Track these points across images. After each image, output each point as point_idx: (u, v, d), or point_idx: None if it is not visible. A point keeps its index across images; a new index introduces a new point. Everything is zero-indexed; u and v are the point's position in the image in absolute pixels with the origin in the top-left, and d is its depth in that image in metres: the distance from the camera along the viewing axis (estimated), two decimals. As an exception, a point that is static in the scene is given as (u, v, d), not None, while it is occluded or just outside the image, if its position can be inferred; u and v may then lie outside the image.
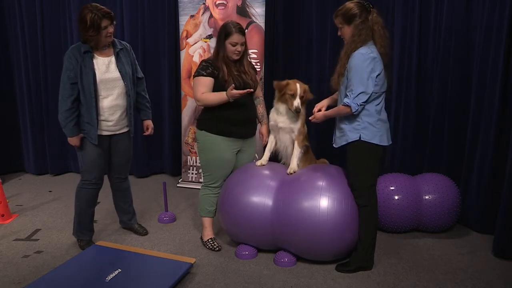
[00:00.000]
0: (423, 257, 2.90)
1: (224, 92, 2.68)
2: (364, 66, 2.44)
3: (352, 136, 2.57)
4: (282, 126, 2.84)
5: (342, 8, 2.55)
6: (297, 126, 2.82)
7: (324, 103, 2.80)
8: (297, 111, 2.73)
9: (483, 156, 3.14)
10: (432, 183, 3.15)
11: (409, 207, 3.07)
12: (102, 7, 2.72)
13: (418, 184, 3.16)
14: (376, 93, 2.51)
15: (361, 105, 2.47)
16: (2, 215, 3.49)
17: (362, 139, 2.55)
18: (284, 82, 2.79)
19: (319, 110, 2.75)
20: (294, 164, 2.84)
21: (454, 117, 3.48)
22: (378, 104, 2.56)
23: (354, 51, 2.48)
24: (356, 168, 2.62)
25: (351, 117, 2.56)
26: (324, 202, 2.57)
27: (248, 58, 2.95)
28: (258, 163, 2.91)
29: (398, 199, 3.08)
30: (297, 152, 2.85)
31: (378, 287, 2.54)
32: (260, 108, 3.02)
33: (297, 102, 2.72)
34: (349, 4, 2.54)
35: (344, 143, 2.62)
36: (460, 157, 3.42)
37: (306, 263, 2.77)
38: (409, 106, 3.70)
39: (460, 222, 3.35)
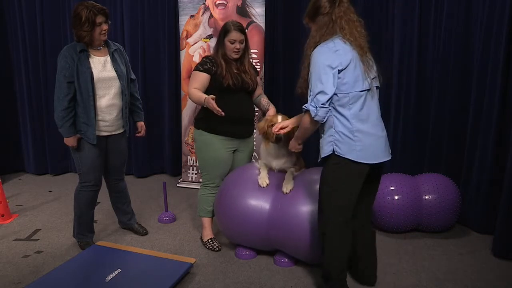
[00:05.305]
0: (423, 257, 2.90)
1: (205, 95, 2.64)
2: (321, 61, 2.06)
3: (326, 150, 2.18)
4: (277, 168, 2.78)
5: (308, 6, 2.24)
6: (292, 168, 2.77)
7: (287, 123, 2.49)
8: (277, 139, 2.59)
9: (483, 156, 3.14)
10: (432, 183, 3.14)
11: (409, 207, 3.07)
12: (97, 4, 2.72)
13: (418, 184, 3.16)
14: (348, 93, 2.09)
15: (321, 107, 2.05)
16: (2, 215, 3.49)
17: (336, 152, 2.14)
18: (263, 123, 2.69)
19: (282, 128, 2.48)
20: (290, 183, 2.67)
21: (454, 117, 3.47)
22: (357, 109, 2.11)
23: (313, 48, 2.12)
24: (327, 187, 2.22)
25: (325, 128, 2.18)
26: None
27: (249, 58, 2.93)
28: (263, 184, 2.71)
29: (398, 199, 3.08)
30: (291, 175, 2.73)
31: (378, 287, 2.53)
32: (264, 99, 2.96)
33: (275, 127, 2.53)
34: None
35: (320, 158, 2.26)
36: (460, 157, 3.42)
37: (306, 263, 2.76)
38: (409, 106, 3.70)
39: (460, 222, 3.34)
